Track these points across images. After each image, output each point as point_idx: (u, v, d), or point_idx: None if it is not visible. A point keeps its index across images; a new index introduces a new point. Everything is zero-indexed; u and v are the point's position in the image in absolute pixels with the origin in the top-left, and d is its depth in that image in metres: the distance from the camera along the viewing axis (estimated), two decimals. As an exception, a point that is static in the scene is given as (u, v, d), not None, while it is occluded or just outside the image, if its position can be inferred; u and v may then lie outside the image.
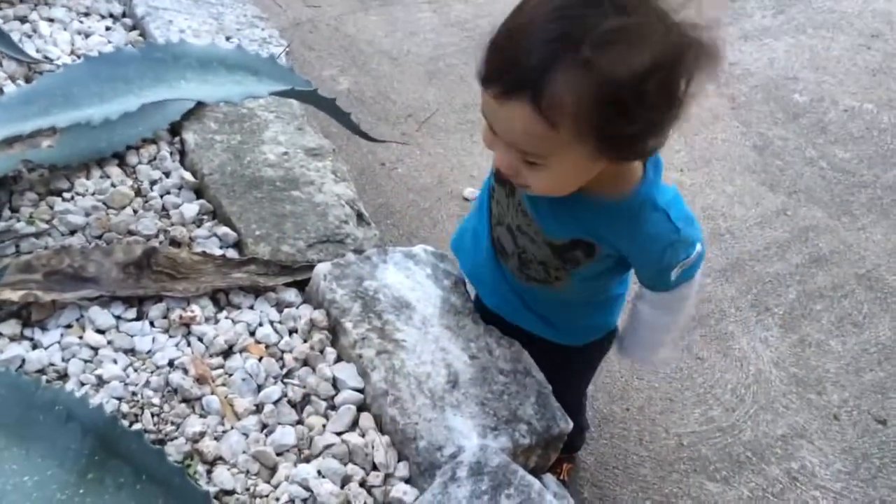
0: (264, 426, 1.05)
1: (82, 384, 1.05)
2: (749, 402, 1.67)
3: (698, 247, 0.95)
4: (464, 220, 1.23)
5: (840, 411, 1.67)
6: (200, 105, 1.53)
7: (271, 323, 1.18)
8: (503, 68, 0.76)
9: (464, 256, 1.20)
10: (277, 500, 0.97)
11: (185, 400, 1.06)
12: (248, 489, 0.98)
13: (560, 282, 1.04)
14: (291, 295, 1.23)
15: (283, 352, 1.14)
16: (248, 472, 0.99)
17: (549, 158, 0.80)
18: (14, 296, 1.10)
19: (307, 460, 1.02)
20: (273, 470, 1.00)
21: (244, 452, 1.01)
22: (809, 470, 1.56)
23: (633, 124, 0.76)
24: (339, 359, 1.15)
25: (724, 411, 1.65)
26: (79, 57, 1.63)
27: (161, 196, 1.36)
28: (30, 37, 1.65)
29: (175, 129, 1.52)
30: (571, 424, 1.10)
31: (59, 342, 1.10)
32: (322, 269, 1.22)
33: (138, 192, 1.37)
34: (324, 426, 1.06)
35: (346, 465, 1.01)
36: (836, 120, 2.52)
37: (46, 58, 1.59)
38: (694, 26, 0.74)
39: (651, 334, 1.13)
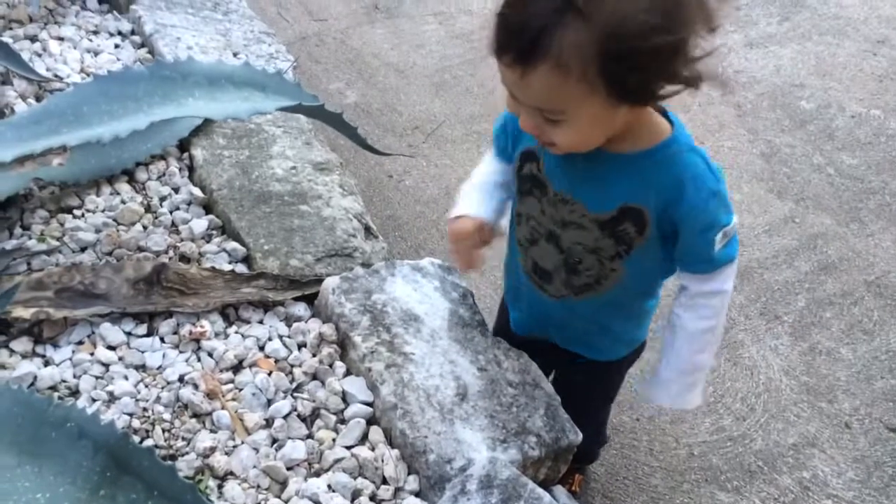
0: (274, 441, 1.05)
1: (94, 400, 1.06)
2: (760, 412, 1.66)
3: (735, 219, 0.94)
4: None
5: (851, 420, 1.66)
6: (208, 121, 1.54)
7: (280, 337, 1.19)
8: (511, 35, 0.79)
9: (507, 278, 1.20)
10: (288, 514, 0.97)
11: (195, 415, 1.07)
12: (258, 504, 0.98)
13: (616, 273, 1.00)
14: (300, 309, 1.24)
15: (292, 366, 1.15)
16: (258, 486, 1.00)
17: (568, 113, 0.83)
18: (26, 313, 1.11)
19: (317, 474, 1.02)
20: (283, 484, 1.01)
21: (255, 467, 1.01)
22: (821, 479, 1.55)
23: (639, 68, 0.77)
24: (348, 372, 1.15)
25: (735, 420, 1.64)
26: (88, 75, 1.65)
27: (170, 212, 1.38)
28: (40, 55, 1.67)
29: (184, 146, 1.53)
30: (581, 436, 1.10)
31: (70, 359, 1.11)
32: (330, 283, 1.23)
33: (148, 209, 1.38)
34: (333, 440, 1.06)
35: (356, 478, 1.02)
36: (844, 126, 2.52)
37: (56, 76, 1.61)
38: None
39: (690, 347, 1.04)
